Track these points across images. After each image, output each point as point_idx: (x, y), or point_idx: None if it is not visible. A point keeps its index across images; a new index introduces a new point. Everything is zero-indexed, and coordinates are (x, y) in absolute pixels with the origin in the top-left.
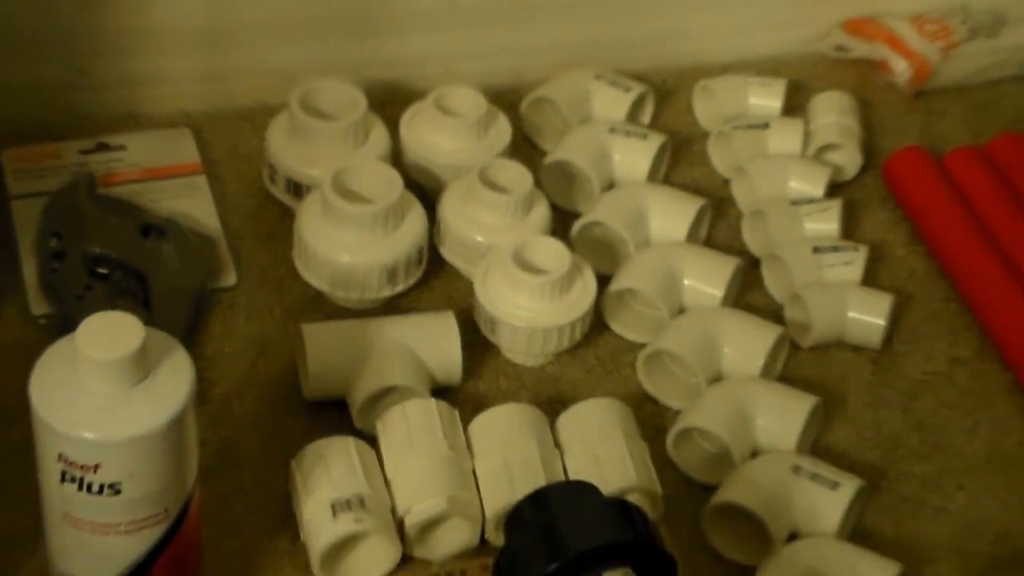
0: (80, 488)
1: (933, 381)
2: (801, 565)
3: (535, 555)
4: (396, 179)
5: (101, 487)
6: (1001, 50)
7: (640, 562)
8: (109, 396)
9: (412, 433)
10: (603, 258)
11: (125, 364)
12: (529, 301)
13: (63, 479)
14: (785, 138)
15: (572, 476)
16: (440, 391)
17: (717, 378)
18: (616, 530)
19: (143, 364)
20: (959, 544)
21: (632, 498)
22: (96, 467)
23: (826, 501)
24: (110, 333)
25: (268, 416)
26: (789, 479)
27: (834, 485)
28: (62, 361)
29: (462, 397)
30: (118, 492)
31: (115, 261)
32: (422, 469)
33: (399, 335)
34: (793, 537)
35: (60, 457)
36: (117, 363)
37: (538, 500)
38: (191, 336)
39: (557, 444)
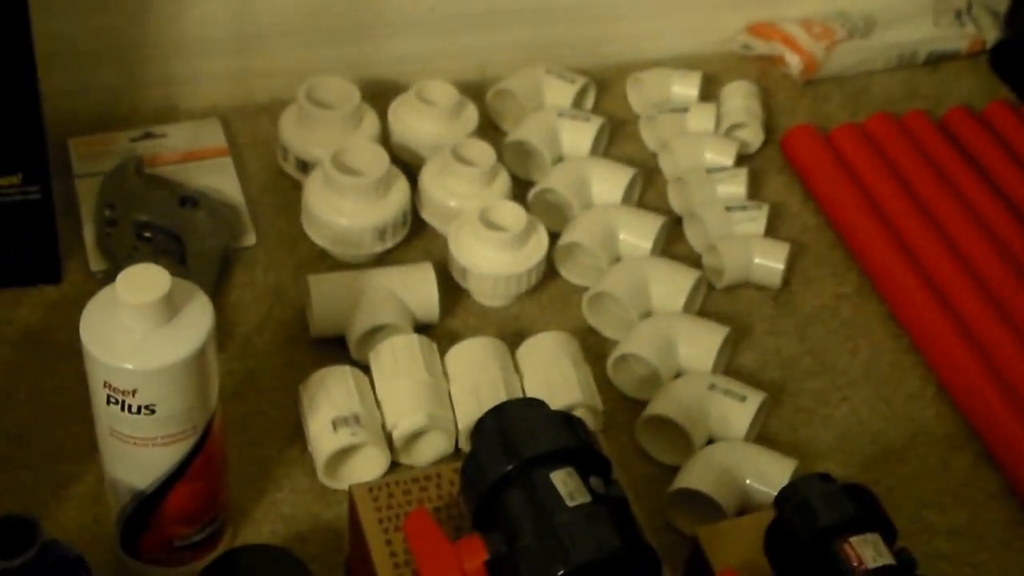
0: (122, 409)
1: (822, 313)
2: (716, 463)
3: (494, 458)
4: (384, 156)
5: (139, 408)
6: (872, 48)
7: (581, 463)
8: (144, 333)
9: (398, 362)
10: (554, 218)
11: (155, 307)
12: (493, 253)
13: (108, 402)
14: (701, 119)
15: (528, 395)
16: (421, 328)
17: (647, 314)
18: (561, 437)
19: (171, 307)
20: (843, 445)
21: (577, 412)
22: (134, 392)
23: (736, 412)
24: (144, 282)
25: (282, 350)
26: (706, 394)
27: (742, 398)
28: (106, 305)
29: (439, 333)
30: (153, 412)
31: (157, 227)
32: (406, 391)
33: (387, 283)
34: (710, 441)
35: (105, 384)
36: (149, 306)
37: (497, 413)
38: (219, 287)
39: (517, 369)
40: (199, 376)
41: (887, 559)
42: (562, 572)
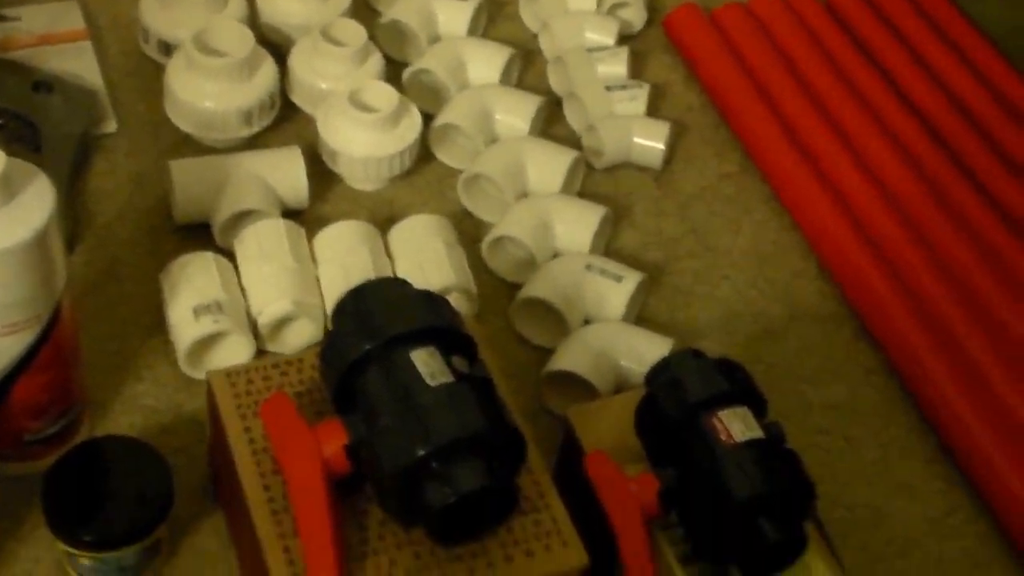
0: None
1: (704, 193)
2: (592, 345)
3: (353, 338)
4: (249, 36)
5: None
6: None
7: (444, 343)
8: None
9: (263, 248)
10: (429, 100)
11: None
12: (364, 135)
13: None
14: None
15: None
16: (290, 214)
17: (524, 196)
18: (422, 316)
19: (7, 189)
20: (724, 324)
21: (452, 296)
22: None
23: (612, 292)
24: None
25: (145, 238)
26: (582, 275)
27: (619, 278)
28: None
29: (310, 219)
30: None
31: (10, 112)
32: (271, 277)
33: (253, 167)
34: (587, 323)
35: None
36: None
37: (357, 293)
38: (78, 174)
39: (389, 254)
40: (40, 262)
41: (756, 432)
42: (422, 453)
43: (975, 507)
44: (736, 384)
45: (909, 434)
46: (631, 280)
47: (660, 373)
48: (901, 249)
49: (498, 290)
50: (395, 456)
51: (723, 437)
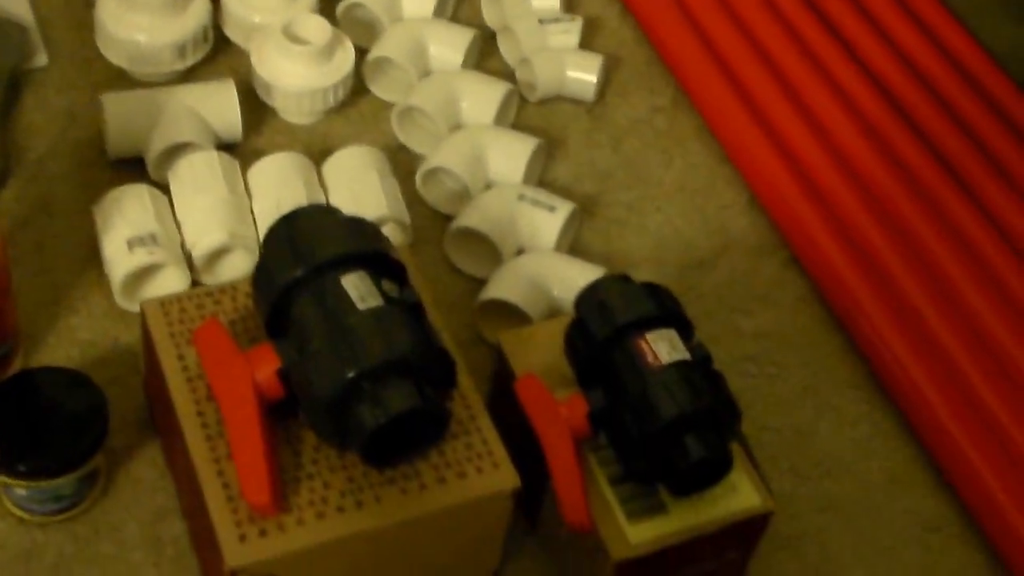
0: None
1: (637, 126)
2: (525, 274)
3: (283, 264)
4: None
5: None
6: None
7: (374, 267)
8: None
9: (197, 180)
10: (364, 34)
11: None
12: (297, 68)
13: None
14: None
15: None
16: (225, 148)
17: (458, 128)
18: (352, 241)
19: None
20: (656, 254)
21: (385, 227)
22: None
23: (545, 222)
24: None
25: (77, 173)
26: (515, 205)
27: (552, 209)
28: None
29: (245, 152)
30: None
31: None
32: (206, 209)
33: (187, 100)
34: (520, 253)
35: None
36: None
37: (288, 220)
38: (8, 109)
39: (323, 185)
40: None
41: (682, 354)
42: (352, 375)
43: (899, 429)
44: (663, 307)
45: (836, 359)
46: (563, 210)
47: (588, 296)
48: (831, 180)
49: (432, 221)
50: (326, 379)
51: (649, 359)
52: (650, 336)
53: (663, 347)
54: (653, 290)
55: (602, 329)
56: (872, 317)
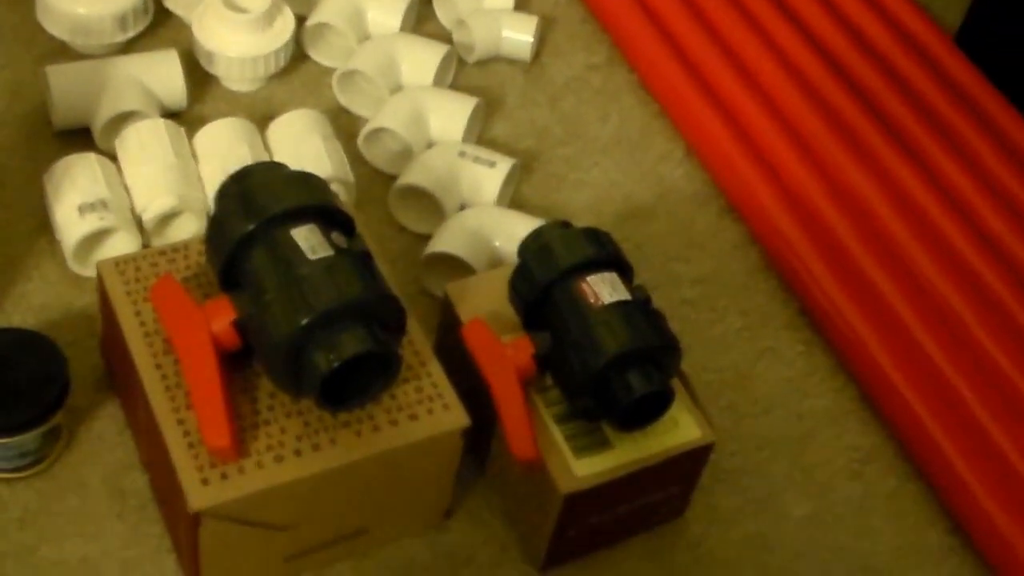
0: None
1: (573, 84)
2: (468, 228)
3: (235, 219)
4: None
5: None
6: None
7: (323, 220)
8: None
9: (144, 147)
10: (304, 1)
11: None
12: (238, 36)
13: None
14: None
15: None
16: (170, 116)
17: (398, 90)
18: (301, 195)
19: None
20: (595, 206)
21: (331, 187)
22: None
23: (486, 177)
24: None
25: (24, 145)
26: (456, 162)
27: (492, 164)
28: None
29: (190, 120)
30: None
31: None
32: (154, 174)
33: (131, 70)
34: (462, 208)
35: None
36: None
37: (238, 177)
38: None
39: (267, 149)
40: None
41: (623, 295)
42: (306, 321)
43: (833, 367)
44: (603, 250)
45: (771, 302)
46: (504, 165)
47: (531, 242)
48: (764, 129)
49: (376, 181)
50: (280, 326)
51: (591, 299)
52: (591, 279)
53: (604, 288)
54: (594, 235)
55: (545, 273)
56: (806, 261)
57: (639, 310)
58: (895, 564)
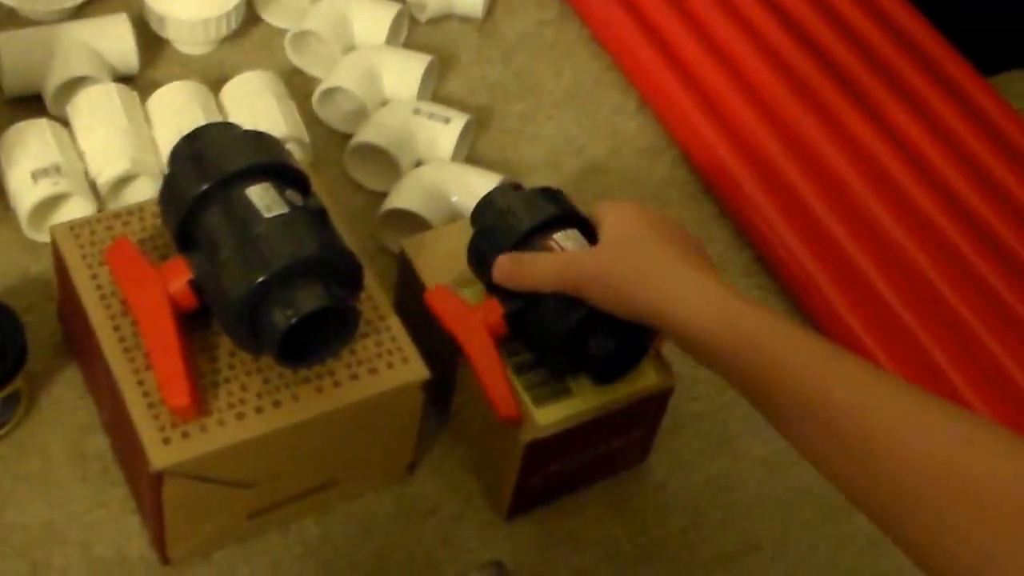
0: None
1: (526, 40)
2: (424, 183)
3: (190, 180)
4: None
5: None
6: None
7: (277, 178)
8: None
9: (97, 112)
10: None
11: None
12: None
13: None
14: None
15: None
16: (123, 81)
17: (351, 49)
18: (255, 153)
19: None
20: (551, 160)
21: (286, 147)
22: None
23: (441, 133)
24: None
25: None
26: (411, 119)
27: (447, 120)
28: None
29: (143, 84)
30: None
31: None
32: (107, 139)
33: (81, 35)
34: (418, 165)
35: None
36: None
37: (191, 138)
38: None
39: (221, 111)
40: None
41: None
42: (262, 279)
43: (789, 311)
44: (562, 208)
45: (727, 250)
46: (458, 121)
47: (485, 208)
48: (716, 80)
49: (331, 140)
50: (237, 285)
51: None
52: (557, 236)
53: (570, 245)
54: (550, 193)
55: (508, 237)
56: (760, 209)
57: None
58: None
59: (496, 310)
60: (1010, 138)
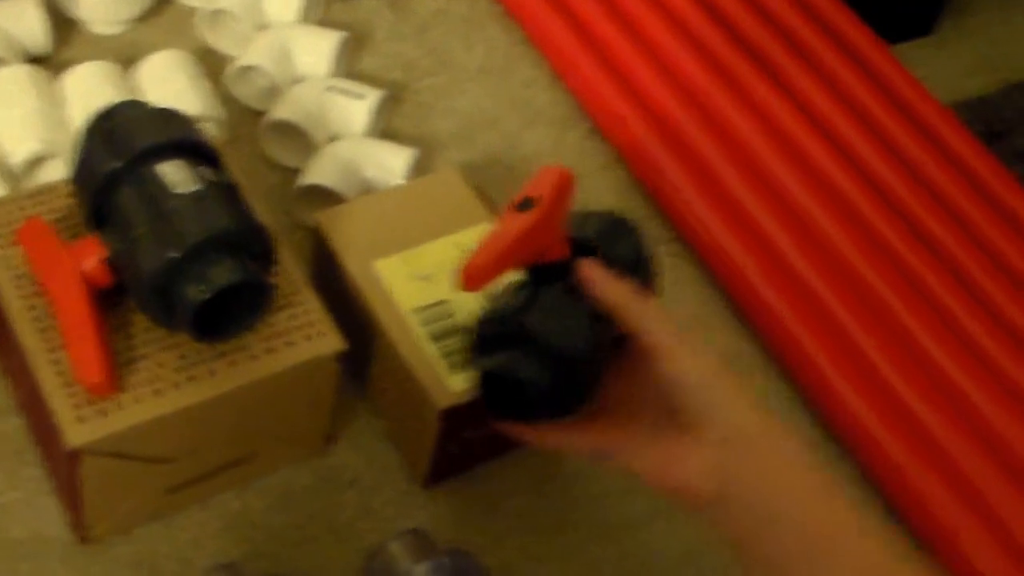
0: None
1: (439, 16)
2: (338, 159)
3: (101, 158)
4: None
5: None
6: None
7: (188, 154)
8: None
9: (8, 93)
10: None
11: None
12: None
13: None
14: None
15: None
16: (35, 63)
17: (265, 27)
18: (166, 130)
19: None
20: (465, 133)
21: (201, 125)
22: None
23: (355, 109)
24: None
25: None
26: (325, 96)
27: (360, 96)
28: None
29: (55, 65)
30: None
31: None
32: (19, 120)
33: None
34: (333, 141)
35: None
36: None
37: (102, 115)
38: None
39: (135, 90)
40: None
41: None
42: (175, 254)
43: (700, 276)
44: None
45: (641, 219)
46: (372, 97)
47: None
48: (626, 54)
49: (246, 118)
50: (150, 261)
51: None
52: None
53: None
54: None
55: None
56: (671, 178)
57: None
58: None
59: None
60: (912, 105)
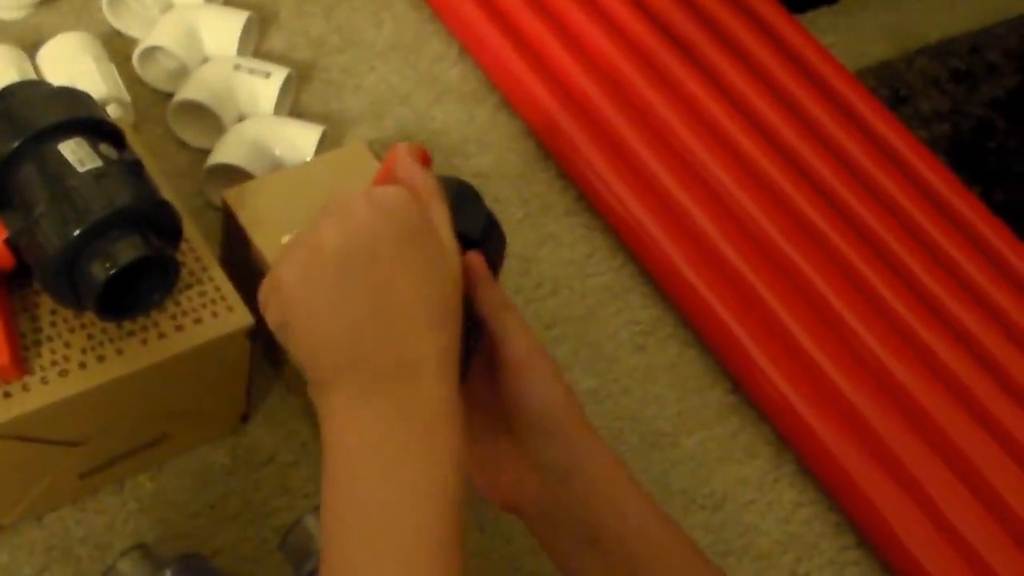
0: None
1: None
2: (247, 137)
3: (1, 138)
4: None
5: None
6: None
7: (90, 133)
8: None
9: None
10: None
11: None
12: None
13: None
14: None
15: None
16: None
17: (170, 8)
18: (66, 109)
19: None
20: (375, 110)
21: (107, 108)
22: None
23: (262, 88)
24: None
25: None
26: (232, 75)
27: (267, 75)
28: None
29: None
30: None
31: None
32: None
33: None
34: (241, 120)
35: None
36: None
37: (1, 95)
38: None
39: (38, 73)
40: None
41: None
42: (78, 232)
43: (612, 247)
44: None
45: (550, 191)
46: (278, 75)
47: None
48: (535, 28)
49: (154, 100)
50: (52, 240)
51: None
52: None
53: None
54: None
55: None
56: (581, 150)
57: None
58: (681, 425)
59: None
60: (819, 72)
